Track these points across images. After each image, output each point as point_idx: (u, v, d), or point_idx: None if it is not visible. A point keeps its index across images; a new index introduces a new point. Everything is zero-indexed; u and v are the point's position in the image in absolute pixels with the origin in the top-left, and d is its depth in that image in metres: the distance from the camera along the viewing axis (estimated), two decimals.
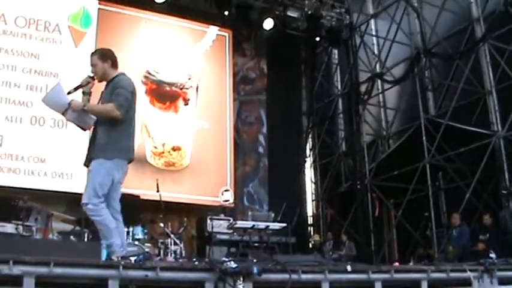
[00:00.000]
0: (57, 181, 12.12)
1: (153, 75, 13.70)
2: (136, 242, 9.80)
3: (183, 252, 10.70)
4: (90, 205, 6.19)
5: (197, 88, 14.14)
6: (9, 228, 9.34)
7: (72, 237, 10.64)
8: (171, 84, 13.90)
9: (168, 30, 14.48)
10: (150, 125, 13.50)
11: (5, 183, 11.53)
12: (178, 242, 10.63)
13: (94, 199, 6.16)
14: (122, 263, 5.05)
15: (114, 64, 6.64)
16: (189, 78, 14.12)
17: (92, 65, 6.51)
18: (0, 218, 9.25)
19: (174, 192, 12.59)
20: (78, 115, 6.36)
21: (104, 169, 6.22)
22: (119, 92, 6.31)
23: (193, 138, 13.85)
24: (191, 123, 13.94)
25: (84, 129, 6.68)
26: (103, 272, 4.88)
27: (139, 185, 12.26)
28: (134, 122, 6.53)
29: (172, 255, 10.40)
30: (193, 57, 14.43)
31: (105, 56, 6.61)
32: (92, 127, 6.55)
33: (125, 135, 6.41)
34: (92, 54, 6.63)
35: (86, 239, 10.13)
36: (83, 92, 6.47)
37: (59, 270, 4.69)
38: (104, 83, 6.49)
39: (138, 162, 12.94)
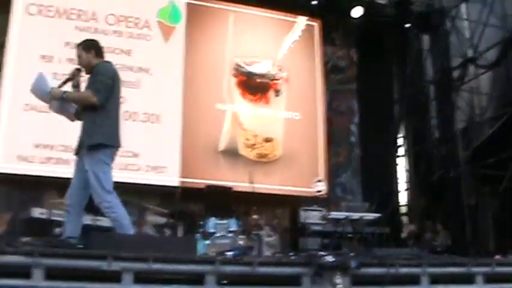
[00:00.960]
0: (150, 175, 12.29)
1: (243, 68, 13.71)
2: (230, 235, 9.82)
3: (277, 244, 10.68)
4: (105, 203, 6.17)
5: (287, 79, 14.09)
6: (104, 222, 9.50)
7: (166, 229, 10.76)
8: (261, 76, 13.89)
9: (257, 22, 14.45)
10: (242, 117, 13.56)
11: None
12: (272, 233, 10.62)
13: (106, 196, 6.20)
14: (219, 258, 5.05)
15: (99, 53, 6.69)
16: (279, 70, 14.08)
17: (77, 56, 6.56)
18: (96, 212, 9.41)
19: (266, 183, 12.58)
20: (60, 104, 6.45)
21: (98, 161, 6.31)
22: (96, 78, 6.35)
23: (284, 129, 13.81)
24: (282, 114, 13.90)
25: (72, 120, 6.74)
26: (200, 268, 4.90)
27: (232, 177, 12.36)
28: (118, 107, 6.56)
29: (266, 247, 10.40)
30: (283, 48, 14.36)
31: (88, 47, 6.66)
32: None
33: (109, 121, 6.43)
34: (77, 45, 6.65)
35: (179, 232, 10.21)
36: (72, 85, 6.53)
37: (157, 266, 4.73)
38: None
39: (231, 154, 13.03)
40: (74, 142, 11.50)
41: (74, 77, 6.59)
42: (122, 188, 11.56)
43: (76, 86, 6.63)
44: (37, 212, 9.77)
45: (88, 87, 6.44)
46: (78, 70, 6.63)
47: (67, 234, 6.28)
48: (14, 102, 10.36)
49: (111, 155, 6.47)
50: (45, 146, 11.76)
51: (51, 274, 4.40)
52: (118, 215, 6.22)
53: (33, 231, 8.86)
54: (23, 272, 4.27)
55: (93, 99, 6.22)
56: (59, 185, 11.22)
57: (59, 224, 8.52)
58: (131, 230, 6.31)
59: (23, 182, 11.37)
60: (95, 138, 6.30)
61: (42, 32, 12.42)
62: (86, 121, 6.47)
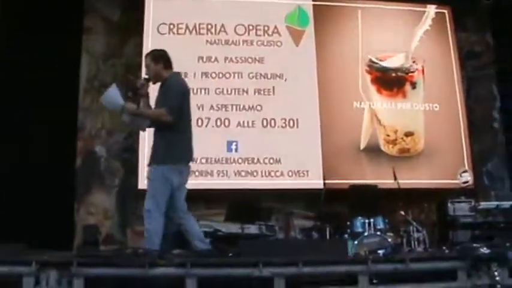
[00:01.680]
0: (293, 179, 12.32)
1: (377, 63, 13.51)
2: (378, 233, 9.73)
3: (426, 239, 10.47)
4: (147, 212, 6.37)
5: (423, 70, 13.75)
6: (253, 229, 9.61)
7: (313, 232, 10.77)
8: (396, 70, 13.63)
9: (385, 16, 14.19)
10: (380, 114, 13.32)
11: (245, 186, 11.92)
12: (420, 229, 10.42)
13: (153, 207, 6.36)
14: (370, 257, 4.99)
15: (168, 65, 6.86)
16: (414, 62, 13.76)
17: (145, 66, 6.70)
18: (244, 220, 9.55)
19: (410, 178, 12.31)
20: (132, 118, 6.65)
21: (161, 176, 6.43)
22: (169, 94, 6.55)
23: (424, 122, 13.47)
24: (421, 107, 13.58)
25: (143, 130, 6.96)
26: (351, 268, 4.85)
27: (376, 175, 12.26)
28: (190, 122, 6.78)
29: (416, 243, 10.22)
30: (414, 39, 14.04)
31: (157, 58, 6.85)
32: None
33: (181, 138, 6.61)
34: (146, 55, 6.92)
35: (328, 234, 10.21)
36: (141, 95, 6.67)
37: (307, 269, 4.71)
38: None
39: (372, 152, 12.89)
40: (212, 154, 11.95)
41: (142, 87, 6.75)
42: (267, 195, 11.80)
43: (144, 96, 6.80)
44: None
45: (160, 102, 6.59)
46: (147, 80, 6.80)
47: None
48: None
49: (178, 171, 6.58)
50: None
51: (204, 284, 4.45)
52: (151, 228, 6.37)
53: (183, 243, 9.08)
54: (177, 283, 4.34)
55: (167, 117, 6.44)
56: (204, 196, 11.54)
57: (206, 234, 8.70)
58: (155, 246, 6.27)
59: None
60: (161, 158, 6.51)
61: (174, 50, 12.63)
62: (157, 138, 6.64)
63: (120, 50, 13.09)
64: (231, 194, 11.39)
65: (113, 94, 6.66)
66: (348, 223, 10.10)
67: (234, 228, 9.47)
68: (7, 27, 11.70)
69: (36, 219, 10.60)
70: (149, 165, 6.67)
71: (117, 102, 6.54)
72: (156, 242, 6.26)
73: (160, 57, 6.91)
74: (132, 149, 12.31)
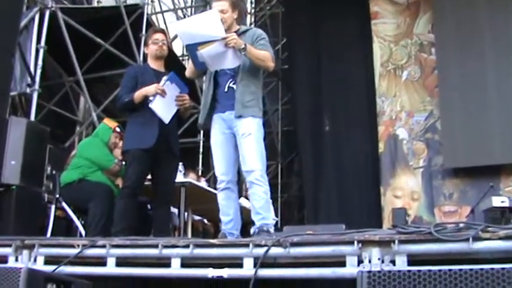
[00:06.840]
0: None
1: None
2: None
3: None
4: (259, 171, 5.53)
5: None
6: None
7: None
8: None
9: None
10: None
11: None
12: None
13: (261, 165, 5.55)
14: None
15: (239, 19, 5.87)
16: None
17: (220, 10, 5.64)
18: None
19: None
20: (219, 54, 5.50)
21: (261, 130, 5.71)
22: (266, 44, 5.75)
23: None
24: None
25: (213, 69, 5.77)
26: None
27: None
28: None
29: None
30: None
31: (235, 5, 5.81)
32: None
33: (260, 91, 5.86)
34: None
35: None
36: None
37: None
38: None
39: None
40: None
41: None
42: None
43: None
44: (498, 201, 9.65)
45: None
46: None
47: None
48: None
49: None
50: None
51: None
52: (267, 190, 5.57)
53: (493, 220, 8.84)
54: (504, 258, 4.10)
55: (272, 64, 5.70)
56: None
57: None
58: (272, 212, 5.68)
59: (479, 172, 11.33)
60: (256, 112, 5.69)
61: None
62: (244, 89, 5.69)
63: (410, 29, 12.94)
64: None
65: (215, 19, 5.51)
66: None
67: None
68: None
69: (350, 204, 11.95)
70: (252, 116, 5.70)
71: (215, 31, 5.47)
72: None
73: (237, 6, 5.90)
74: (433, 128, 12.14)
